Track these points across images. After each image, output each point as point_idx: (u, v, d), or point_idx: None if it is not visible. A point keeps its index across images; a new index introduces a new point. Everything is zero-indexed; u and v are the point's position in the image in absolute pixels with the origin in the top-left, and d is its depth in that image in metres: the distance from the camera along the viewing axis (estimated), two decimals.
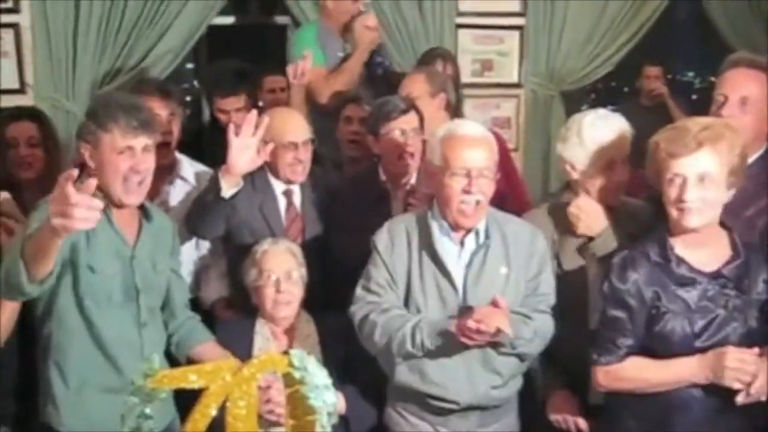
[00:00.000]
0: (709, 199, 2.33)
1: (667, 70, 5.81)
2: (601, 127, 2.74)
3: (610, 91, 7.91)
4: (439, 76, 3.77)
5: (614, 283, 2.42)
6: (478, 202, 2.57)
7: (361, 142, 3.53)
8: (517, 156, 5.10)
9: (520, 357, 2.66)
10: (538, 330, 2.63)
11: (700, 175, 2.31)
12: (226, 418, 1.70)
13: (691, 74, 9.97)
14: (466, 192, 2.56)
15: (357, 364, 2.82)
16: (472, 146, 2.59)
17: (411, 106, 3.26)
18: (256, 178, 3.16)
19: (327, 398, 1.67)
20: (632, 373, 2.41)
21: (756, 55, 2.89)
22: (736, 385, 2.31)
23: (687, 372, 2.34)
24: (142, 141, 2.54)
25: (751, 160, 2.67)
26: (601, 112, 2.84)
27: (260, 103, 4.05)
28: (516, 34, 5.29)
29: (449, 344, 2.55)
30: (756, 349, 2.32)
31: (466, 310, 2.53)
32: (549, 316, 2.67)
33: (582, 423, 2.75)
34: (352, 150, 3.65)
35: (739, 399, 2.32)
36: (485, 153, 2.60)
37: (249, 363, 1.69)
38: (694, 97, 7.98)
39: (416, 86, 3.55)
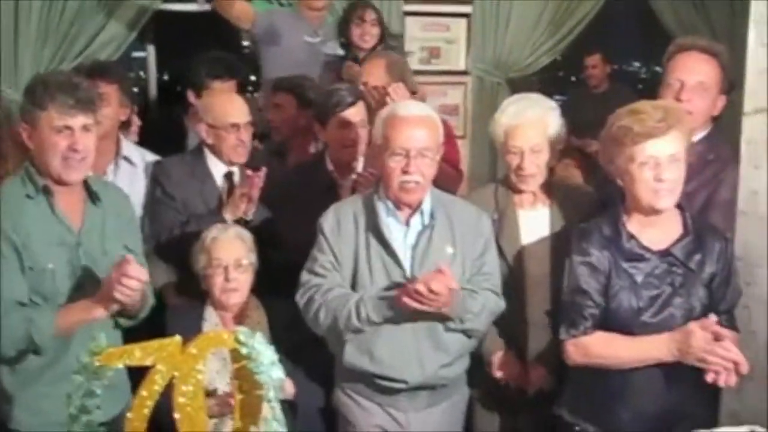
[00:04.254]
0: (677, 178, 2.40)
1: (607, 58, 5.95)
2: (504, 113, 2.82)
3: (558, 80, 8.01)
4: (400, 63, 3.78)
5: (574, 256, 2.49)
6: (417, 183, 2.59)
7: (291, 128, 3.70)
8: (465, 143, 5.15)
9: (468, 334, 2.70)
10: (486, 305, 2.67)
11: (673, 156, 2.38)
12: (174, 396, 1.70)
13: (637, 64, 10.14)
14: (405, 172, 2.57)
15: (306, 349, 2.82)
16: (412, 126, 2.60)
17: (359, 97, 3.27)
18: (194, 165, 3.21)
19: (273, 373, 1.69)
20: (601, 348, 2.43)
21: (706, 40, 2.97)
22: (700, 365, 2.31)
23: (655, 348, 2.37)
24: (81, 120, 2.48)
25: (696, 138, 2.76)
26: (522, 97, 2.92)
27: None
28: (463, 21, 5.34)
29: (397, 319, 2.58)
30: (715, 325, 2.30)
31: (409, 281, 2.55)
32: (494, 295, 2.71)
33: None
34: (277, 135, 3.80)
35: (709, 378, 2.31)
36: (425, 133, 2.60)
37: (196, 341, 1.70)
38: (639, 87, 8.13)
39: (375, 74, 3.56)
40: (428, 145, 2.60)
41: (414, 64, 4.84)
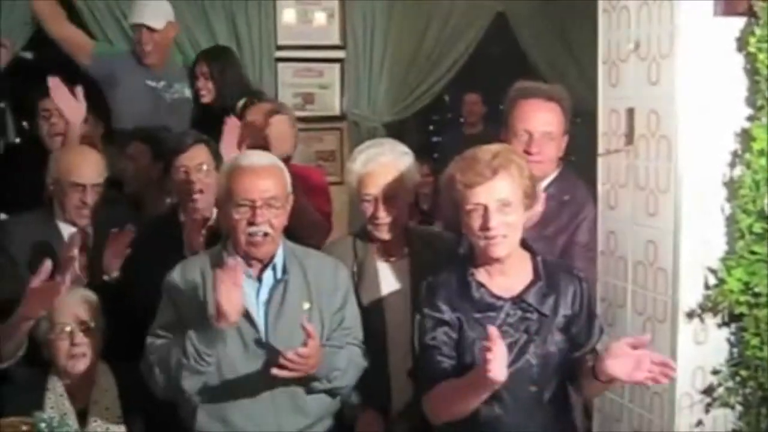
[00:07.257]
0: (511, 223, 2.32)
1: (487, 98, 6.02)
2: (356, 161, 2.75)
3: (445, 122, 8.05)
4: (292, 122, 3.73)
5: (424, 310, 2.38)
6: (266, 234, 2.47)
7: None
8: (342, 189, 5.05)
9: (331, 393, 2.58)
10: (352, 359, 2.56)
11: (501, 202, 2.29)
12: None
13: None
14: (251, 223, 2.45)
15: (161, 416, 2.65)
16: (256, 176, 2.49)
17: (198, 140, 3.13)
18: (41, 224, 3.03)
19: None
20: (445, 393, 2.30)
21: (546, 86, 2.96)
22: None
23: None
24: None
25: (547, 181, 2.74)
26: (373, 143, 2.85)
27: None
28: (336, 66, 5.31)
29: (253, 382, 2.44)
30: None
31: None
32: (358, 349, 2.61)
33: None
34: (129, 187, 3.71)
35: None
36: (271, 183, 2.49)
37: None
38: None
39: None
40: (275, 194, 2.49)
41: None
